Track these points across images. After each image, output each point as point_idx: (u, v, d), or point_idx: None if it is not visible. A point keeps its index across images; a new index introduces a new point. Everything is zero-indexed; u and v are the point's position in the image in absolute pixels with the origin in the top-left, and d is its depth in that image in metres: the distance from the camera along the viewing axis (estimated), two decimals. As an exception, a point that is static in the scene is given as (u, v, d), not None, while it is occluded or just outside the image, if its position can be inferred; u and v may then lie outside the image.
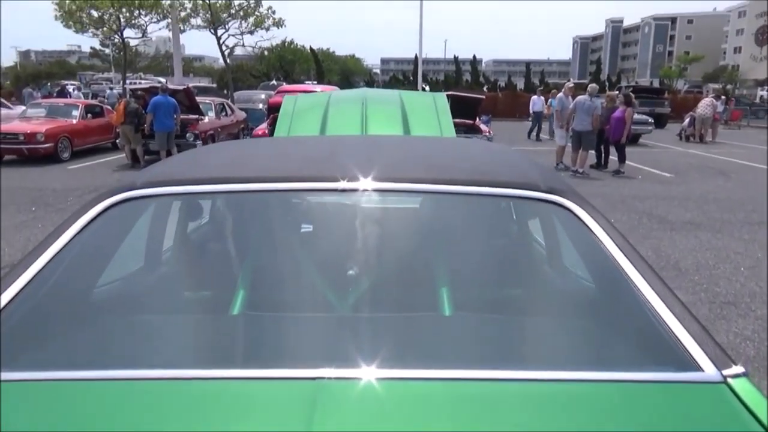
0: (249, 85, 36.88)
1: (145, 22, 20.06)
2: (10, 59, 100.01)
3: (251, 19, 19.45)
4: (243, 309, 1.31)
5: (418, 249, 1.56)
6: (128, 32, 20.25)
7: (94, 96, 23.49)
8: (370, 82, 48.92)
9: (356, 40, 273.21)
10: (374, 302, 1.35)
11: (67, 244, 1.21)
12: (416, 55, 30.51)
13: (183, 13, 19.14)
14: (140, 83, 22.80)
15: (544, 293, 1.43)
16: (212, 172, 1.48)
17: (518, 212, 1.65)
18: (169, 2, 19.03)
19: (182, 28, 19.40)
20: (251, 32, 19.92)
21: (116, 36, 20.22)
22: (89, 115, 12.97)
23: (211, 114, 13.39)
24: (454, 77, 40.83)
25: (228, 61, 22.12)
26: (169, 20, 19.37)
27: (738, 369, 1.04)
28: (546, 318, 1.33)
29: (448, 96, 11.58)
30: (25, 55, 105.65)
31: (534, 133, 17.66)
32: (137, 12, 19.38)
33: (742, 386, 1.01)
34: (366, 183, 1.36)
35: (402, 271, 1.48)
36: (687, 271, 4.97)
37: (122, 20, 19.51)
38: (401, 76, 47.52)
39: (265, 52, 39.51)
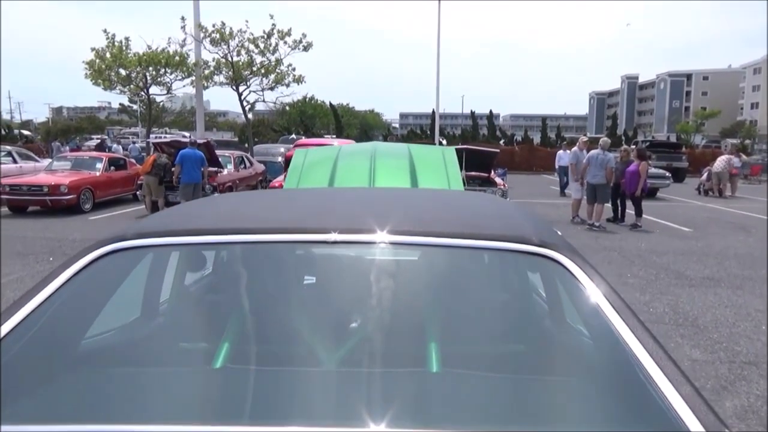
0: (269, 139, 37.70)
1: (171, 79, 20.80)
2: (42, 115, 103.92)
3: (272, 76, 20.07)
4: (225, 362, 1.29)
5: (411, 302, 1.54)
6: (154, 89, 21.00)
7: (124, 149, 24.39)
8: (388, 135, 49.72)
9: (375, 95, 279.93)
10: (362, 357, 1.33)
11: (54, 292, 1.23)
12: (433, 110, 31.11)
13: (206, 71, 19.83)
14: (164, 137, 23.48)
15: (534, 348, 1.40)
16: (202, 223, 1.50)
17: (513, 265, 1.63)
18: (193, 61, 19.78)
19: (206, 84, 20.05)
20: (272, 88, 20.51)
21: (143, 93, 20.96)
22: (112, 167, 13.33)
23: (230, 167, 13.67)
24: (470, 131, 41.43)
25: (249, 116, 22.68)
26: (194, 78, 20.06)
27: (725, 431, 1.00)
28: (534, 375, 1.29)
29: (463, 150, 11.70)
30: (57, 111, 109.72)
31: (560, 188, 17.49)
32: (163, 70, 20.15)
33: None
34: (361, 236, 1.37)
35: (393, 324, 1.46)
36: (706, 329, 4.82)
37: (148, 78, 20.27)
38: (419, 130, 48.31)
39: (286, 107, 40.58)
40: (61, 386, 1.22)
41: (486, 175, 12.16)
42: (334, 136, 37.70)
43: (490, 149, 14.01)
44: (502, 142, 37.57)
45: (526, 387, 1.24)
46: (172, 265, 1.78)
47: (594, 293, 1.26)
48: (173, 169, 11.10)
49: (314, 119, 50.32)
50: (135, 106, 57.85)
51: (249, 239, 1.35)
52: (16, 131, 42.41)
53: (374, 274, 1.43)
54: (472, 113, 44.44)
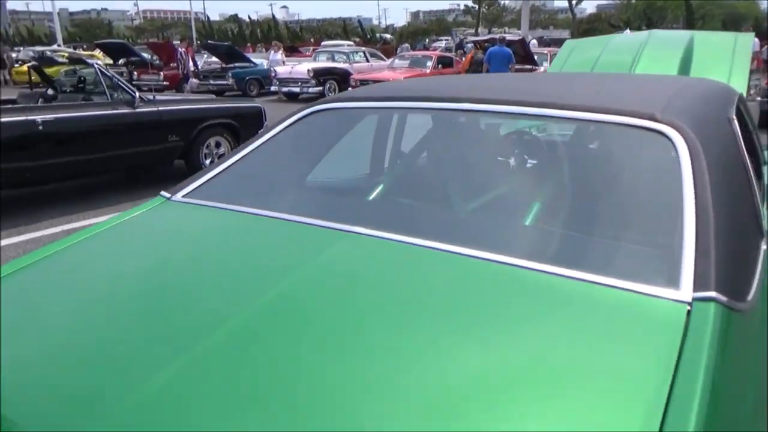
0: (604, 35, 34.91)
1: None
2: (403, 19, 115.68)
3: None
4: (380, 195, 1.75)
5: (542, 170, 1.74)
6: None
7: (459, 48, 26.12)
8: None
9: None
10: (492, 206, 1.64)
11: (269, 140, 1.84)
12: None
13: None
14: (484, 36, 24.05)
15: (614, 213, 1.46)
16: (395, 93, 1.91)
17: (637, 140, 1.60)
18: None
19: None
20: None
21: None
22: (440, 65, 14.63)
23: (546, 64, 13.55)
24: None
25: (573, 11, 21.49)
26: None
27: (710, 294, 1.01)
28: (616, 240, 1.39)
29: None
30: (414, 15, 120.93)
31: None
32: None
33: (702, 310, 0.99)
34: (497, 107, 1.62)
35: (517, 186, 1.70)
36: None
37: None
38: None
39: (632, 0, 36.55)
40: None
41: None
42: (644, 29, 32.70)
43: None
44: None
45: (606, 247, 1.36)
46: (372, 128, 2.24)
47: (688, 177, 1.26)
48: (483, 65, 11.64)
49: (664, 11, 44.13)
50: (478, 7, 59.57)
51: (418, 105, 1.77)
52: (378, 35, 48.75)
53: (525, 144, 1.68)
54: None
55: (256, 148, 1.88)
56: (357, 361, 0.95)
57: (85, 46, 24.81)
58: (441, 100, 1.74)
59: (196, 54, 18.59)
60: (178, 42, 18.04)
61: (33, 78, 6.89)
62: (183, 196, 1.73)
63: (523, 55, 12.58)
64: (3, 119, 4.70)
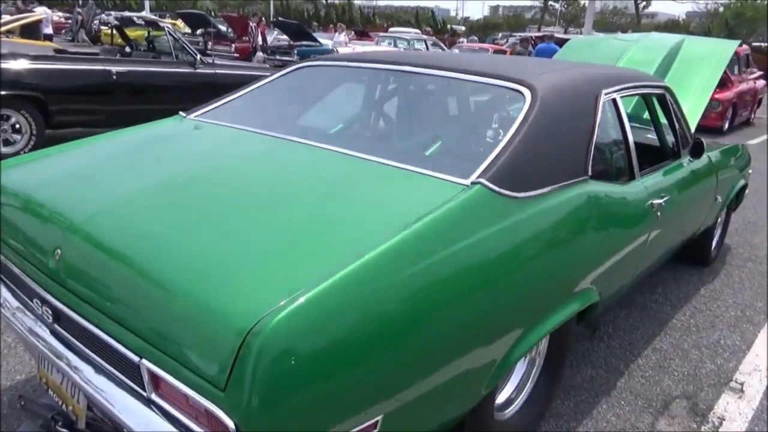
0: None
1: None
2: (480, 13, 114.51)
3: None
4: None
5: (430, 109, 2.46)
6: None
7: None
8: None
9: None
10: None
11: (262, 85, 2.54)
12: None
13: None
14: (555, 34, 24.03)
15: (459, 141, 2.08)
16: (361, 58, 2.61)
17: (501, 96, 2.18)
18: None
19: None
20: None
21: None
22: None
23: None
24: None
25: (639, 15, 21.09)
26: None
27: (481, 180, 1.58)
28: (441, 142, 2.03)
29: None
30: (494, 9, 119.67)
31: None
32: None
33: (470, 189, 1.57)
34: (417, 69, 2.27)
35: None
36: None
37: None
38: None
39: (720, 8, 35.15)
40: None
41: None
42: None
43: None
44: None
45: (442, 153, 2.04)
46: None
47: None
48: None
49: (755, 23, 41.93)
50: (557, 5, 58.46)
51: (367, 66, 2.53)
52: (449, 26, 48.82)
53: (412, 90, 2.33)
54: None
55: (256, 88, 2.56)
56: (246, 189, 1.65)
57: (168, 15, 26.38)
58: (385, 62, 2.38)
59: (268, 30, 19.62)
60: (252, 17, 19.05)
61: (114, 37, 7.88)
62: (194, 116, 2.42)
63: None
64: (84, 67, 5.63)
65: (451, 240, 1.42)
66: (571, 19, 57.49)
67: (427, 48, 18.09)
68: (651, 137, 3.08)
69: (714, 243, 4.01)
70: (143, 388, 1.25)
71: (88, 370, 1.37)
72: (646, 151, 2.82)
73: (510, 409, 2.01)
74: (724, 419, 2.36)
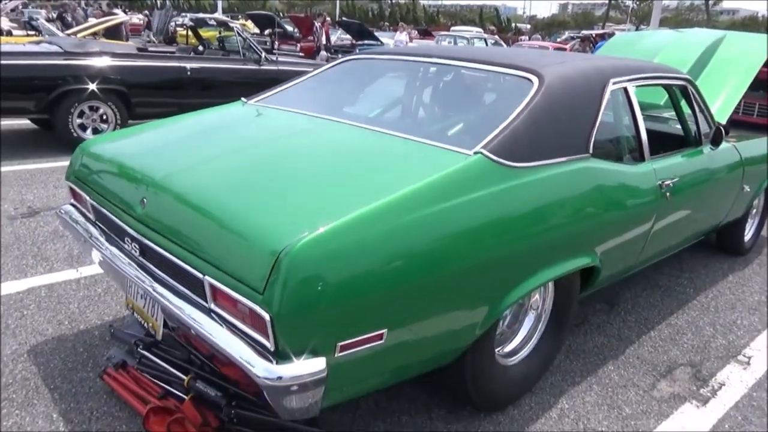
0: None
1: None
2: (548, 10, 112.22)
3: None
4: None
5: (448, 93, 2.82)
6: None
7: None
8: None
9: None
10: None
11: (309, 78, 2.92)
12: None
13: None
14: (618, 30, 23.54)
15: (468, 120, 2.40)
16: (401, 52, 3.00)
17: (510, 82, 2.46)
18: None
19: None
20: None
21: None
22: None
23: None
24: None
25: (709, 12, 20.20)
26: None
27: (483, 151, 1.88)
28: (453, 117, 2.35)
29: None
30: (563, 7, 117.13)
31: None
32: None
33: (473, 157, 1.88)
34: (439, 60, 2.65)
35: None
36: None
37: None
38: None
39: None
40: None
41: None
42: None
43: None
44: None
45: (453, 129, 2.36)
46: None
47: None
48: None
49: None
50: (629, 2, 56.55)
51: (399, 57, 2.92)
52: (513, 24, 48.42)
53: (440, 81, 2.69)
54: None
55: (307, 79, 2.95)
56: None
57: (239, 17, 27.62)
58: (418, 55, 2.74)
59: (332, 30, 20.28)
60: (317, 17, 19.73)
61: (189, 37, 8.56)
62: (254, 101, 2.83)
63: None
64: (162, 64, 6.25)
65: (453, 195, 1.74)
66: (644, 16, 55.53)
67: (486, 43, 18.22)
68: (675, 127, 3.26)
69: (749, 234, 4.09)
70: (205, 300, 1.63)
71: (165, 291, 1.78)
72: (666, 139, 3.01)
73: (515, 357, 2.29)
74: (725, 385, 2.55)
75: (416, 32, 21.32)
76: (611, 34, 12.10)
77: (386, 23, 28.08)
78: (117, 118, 6.00)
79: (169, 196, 1.83)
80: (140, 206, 1.88)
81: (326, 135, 2.26)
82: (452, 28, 29.84)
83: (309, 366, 1.45)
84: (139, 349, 2.25)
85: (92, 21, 11.14)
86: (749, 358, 2.78)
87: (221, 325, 1.60)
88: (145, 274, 1.87)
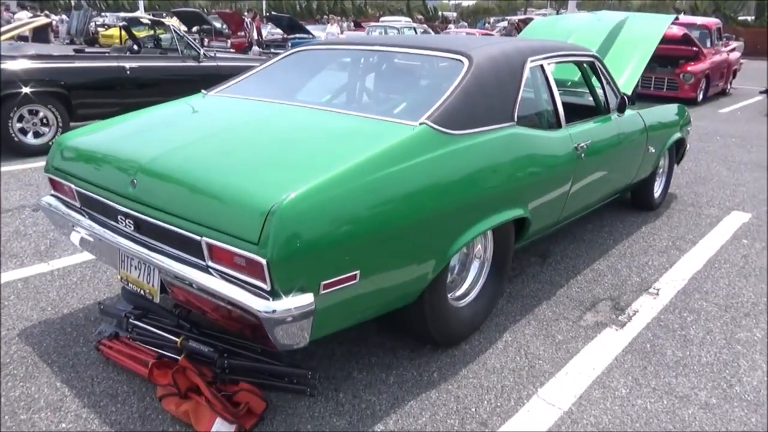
0: None
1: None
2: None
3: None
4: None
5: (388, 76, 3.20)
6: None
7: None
8: None
9: None
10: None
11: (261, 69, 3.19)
12: None
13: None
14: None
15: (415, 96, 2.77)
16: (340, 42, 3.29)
17: (445, 63, 2.84)
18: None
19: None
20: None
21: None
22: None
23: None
24: None
25: None
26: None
27: (426, 122, 2.24)
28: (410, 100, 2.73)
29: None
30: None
31: None
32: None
33: (418, 128, 2.23)
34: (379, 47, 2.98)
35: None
36: None
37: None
38: None
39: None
40: None
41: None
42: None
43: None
44: None
45: (396, 106, 2.72)
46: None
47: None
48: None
49: (742, -2, 42.33)
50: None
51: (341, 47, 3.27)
52: (440, 13, 49.35)
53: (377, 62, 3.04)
54: None
55: (259, 71, 3.22)
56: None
57: (164, 14, 26.98)
58: (361, 44, 3.07)
59: (262, 25, 20.23)
60: (246, 13, 19.64)
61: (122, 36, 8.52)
62: (214, 92, 3.08)
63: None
64: (101, 64, 6.29)
65: (404, 159, 2.08)
66: (563, 1, 57.87)
67: (416, 34, 18.72)
68: (587, 99, 3.74)
69: (658, 191, 4.66)
70: (202, 259, 1.91)
71: (162, 258, 2.03)
72: (580, 109, 3.47)
73: (465, 299, 2.67)
74: (638, 312, 3.03)
75: (352, 24, 21.55)
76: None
77: (326, 16, 28.17)
78: (58, 120, 6.01)
79: (160, 175, 2.09)
80: (131, 186, 2.12)
81: (290, 117, 2.56)
82: (381, 18, 30.23)
83: (299, 300, 1.76)
84: (130, 320, 2.48)
85: (17, 22, 10.80)
86: (658, 290, 3.28)
87: (218, 278, 1.88)
88: (139, 246, 2.12)
